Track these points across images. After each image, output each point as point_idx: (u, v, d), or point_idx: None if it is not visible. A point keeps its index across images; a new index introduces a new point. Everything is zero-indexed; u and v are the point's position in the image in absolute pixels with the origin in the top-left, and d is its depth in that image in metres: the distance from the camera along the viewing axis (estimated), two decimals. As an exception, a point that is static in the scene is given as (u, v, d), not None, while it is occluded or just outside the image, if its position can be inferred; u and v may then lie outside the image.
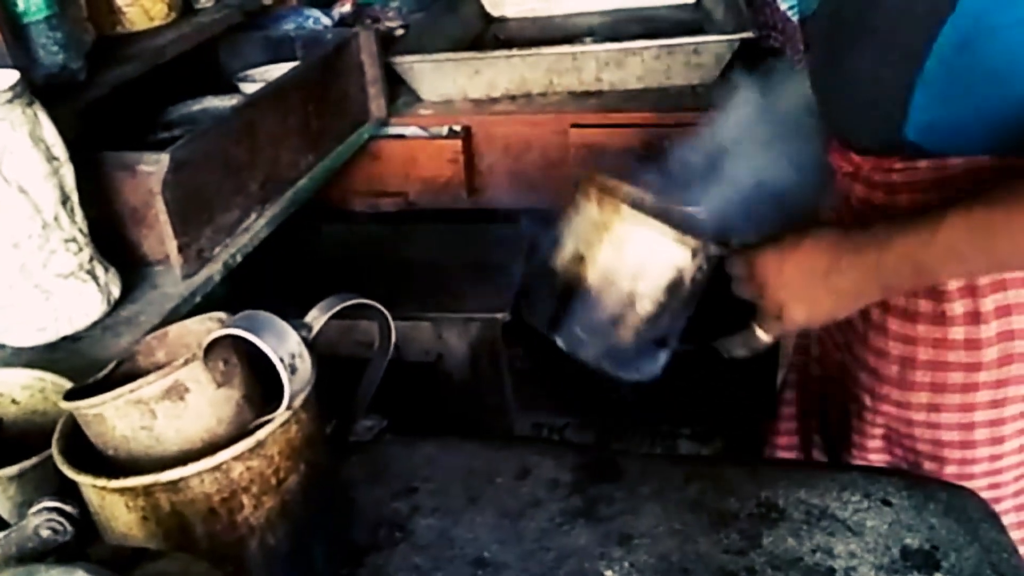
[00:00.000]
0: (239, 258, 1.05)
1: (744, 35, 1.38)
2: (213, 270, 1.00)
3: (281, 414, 0.64)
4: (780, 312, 0.76)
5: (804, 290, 0.74)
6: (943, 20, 0.70)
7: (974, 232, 0.66)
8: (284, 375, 0.63)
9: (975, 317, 0.79)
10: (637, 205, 0.76)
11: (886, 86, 0.76)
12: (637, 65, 1.44)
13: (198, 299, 0.97)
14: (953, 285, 0.79)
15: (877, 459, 0.90)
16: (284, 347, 0.64)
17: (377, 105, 1.42)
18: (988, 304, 0.78)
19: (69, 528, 0.51)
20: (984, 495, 0.79)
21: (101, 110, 1.09)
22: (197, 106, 1.27)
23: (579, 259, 0.78)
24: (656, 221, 0.75)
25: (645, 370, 0.81)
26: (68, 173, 0.85)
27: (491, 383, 1.28)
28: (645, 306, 0.77)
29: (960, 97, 0.73)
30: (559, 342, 0.79)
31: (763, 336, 0.79)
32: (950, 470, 0.86)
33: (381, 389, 0.84)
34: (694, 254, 0.76)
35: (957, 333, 0.80)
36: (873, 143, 0.82)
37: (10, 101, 0.79)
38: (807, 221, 0.78)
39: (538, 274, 0.83)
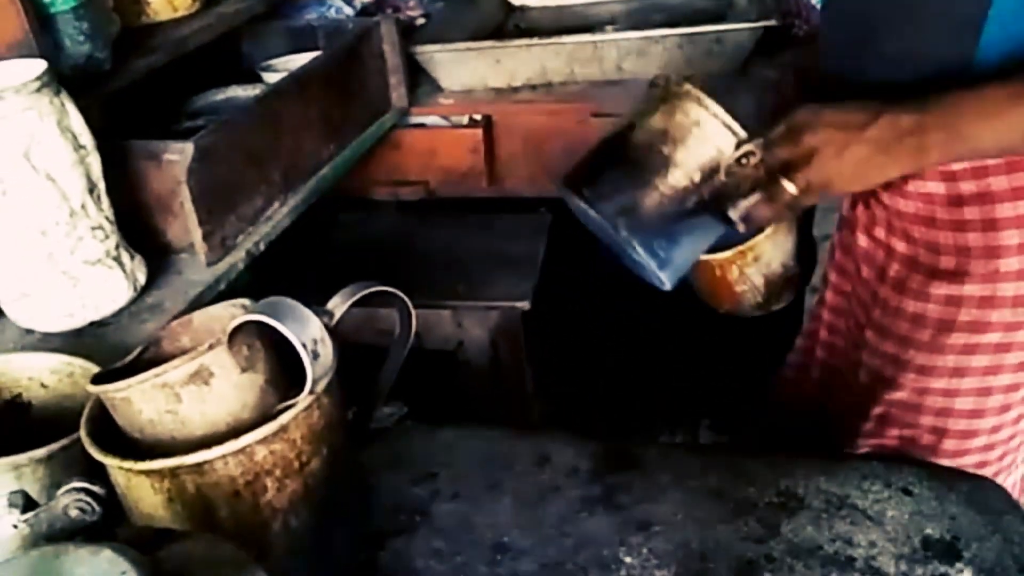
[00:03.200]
0: (262, 246, 1.06)
1: (767, 23, 1.37)
2: (237, 258, 1.01)
3: (304, 399, 0.65)
4: (811, 159, 0.71)
5: (838, 136, 0.70)
6: None
7: (1014, 98, 0.67)
8: (306, 360, 0.64)
9: None
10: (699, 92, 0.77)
11: (939, 66, 0.74)
12: (659, 54, 1.44)
13: (222, 286, 0.98)
14: (1013, 240, 0.78)
15: (868, 443, 0.91)
16: (306, 333, 0.65)
17: (398, 95, 1.43)
18: None
19: (97, 508, 0.52)
20: (969, 471, 0.79)
21: (126, 100, 1.10)
22: (221, 96, 1.28)
23: (630, 126, 0.79)
24: (712, 101, 0.75)
25: (656, 256, 0.79)
26: (95, 161, 0.86)
27: (511, 372, 1.29)
28: (677, 177, 0.76)
29: None
30: (581, 198, 0.78)
31: (789, 187, 0.73)
32: (949, 444, 0.86)
33: (401, 377, 0.85)
34: (737, 146, 0.75)
35: (1007, 290, 0.80)
36: None
37: (38, 90, 0.80)
38: None
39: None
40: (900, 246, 0.87)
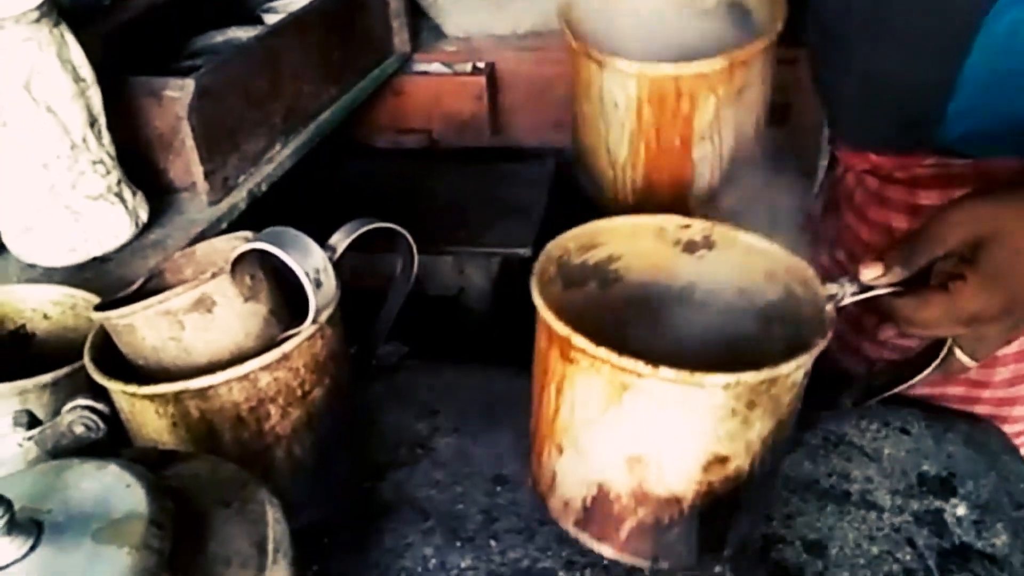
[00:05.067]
0: (264, 187, 1.05)
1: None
2: (238, 198, 1.01)
3: (307, 327, 0.65)
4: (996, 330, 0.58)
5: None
6: (989, 6, 0.62)
7: None
8: (309, 289, 0.64)
9: None
10: None
11: (916, 90, 0.69)
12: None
13: (224, 226, 0.98)
14: None
15: None
16: (309, 262, 0.65)
17: (401, 40, 1.41)
18: None
19: (102, 426, 0.52)
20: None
21: (126, 38, 1.09)
22: (220, 37, 1.27)
23: None
24: None
25: None
26: (95, 95, 0.86)
27: (512, 318, 1.29)
28: None
29: (1009, 98, 0.66)
30: None
31: (968, 361, 0.62)
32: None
33: (403, 322, 0.85)
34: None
35: None
36: (896, 146, 0.77)
37: (37, 20, 0.79)
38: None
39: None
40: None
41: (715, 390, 0.54)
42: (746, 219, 0.67)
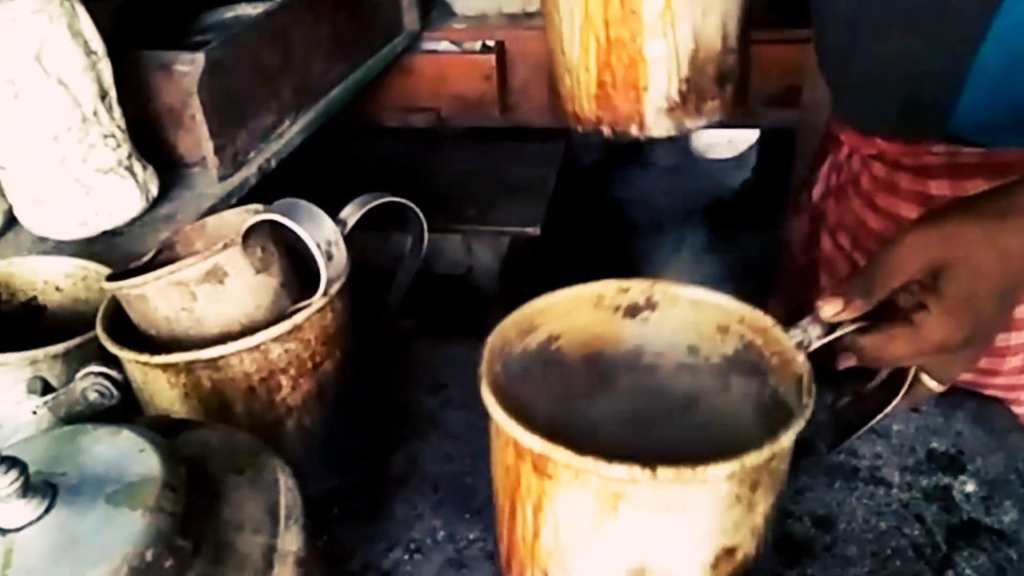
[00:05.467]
0: (273, 163, 1.06)
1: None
2: (248, 173, 1.01)
3: (318, 299, 0.65)
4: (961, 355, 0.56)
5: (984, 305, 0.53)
6: None
7: None
8: (321, 260, 0.64)
9: None
10: None
11: (926, 77, 0.68)
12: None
13: (233, 201, 0.98)
14: None
15: None
16: (321, 233, 0.65)
17: (410, 17, 1.40)
18: None
19: (115, 393, 0.53)
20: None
21: (135, 14, 1.08)
22: (230, 13, 1.26)
23: None
24: None
25: None
26: (106, 68, 0.86)
27: (520, 298, 1.29)
28: None
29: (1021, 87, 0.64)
30: None
31: (935, 386, 0.61)
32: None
33: (412, 301, 0.85)
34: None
35: None
36: (902, 133, 0.75)
37: (48, -8, 0.79)
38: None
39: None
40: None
41: (718, 482, 0.49)
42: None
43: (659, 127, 0.78)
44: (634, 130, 0.80)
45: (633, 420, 0.64)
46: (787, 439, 0.50)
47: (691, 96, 0.77)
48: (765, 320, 0.59)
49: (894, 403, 0.61)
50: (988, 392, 0.82)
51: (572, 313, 0.63)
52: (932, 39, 0.67)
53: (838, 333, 0.55)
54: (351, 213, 0.73)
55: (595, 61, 0.77)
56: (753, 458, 0.48)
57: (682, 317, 0.63)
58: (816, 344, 0.56)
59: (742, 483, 0.49)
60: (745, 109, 0.82)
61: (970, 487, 0.70)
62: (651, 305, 0.63)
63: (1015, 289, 0.53)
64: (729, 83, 0.78)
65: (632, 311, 0.63)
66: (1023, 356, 0.81)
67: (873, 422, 0.63)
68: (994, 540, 0.65)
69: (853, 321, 0.55)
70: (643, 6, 0.73)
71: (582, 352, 0.65)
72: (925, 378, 0.59)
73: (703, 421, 0.63)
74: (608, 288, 0.63)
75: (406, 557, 0.66)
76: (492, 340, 0.59)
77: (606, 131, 0.81)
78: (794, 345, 0.56)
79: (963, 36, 0.65)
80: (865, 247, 0.84)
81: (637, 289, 0.63)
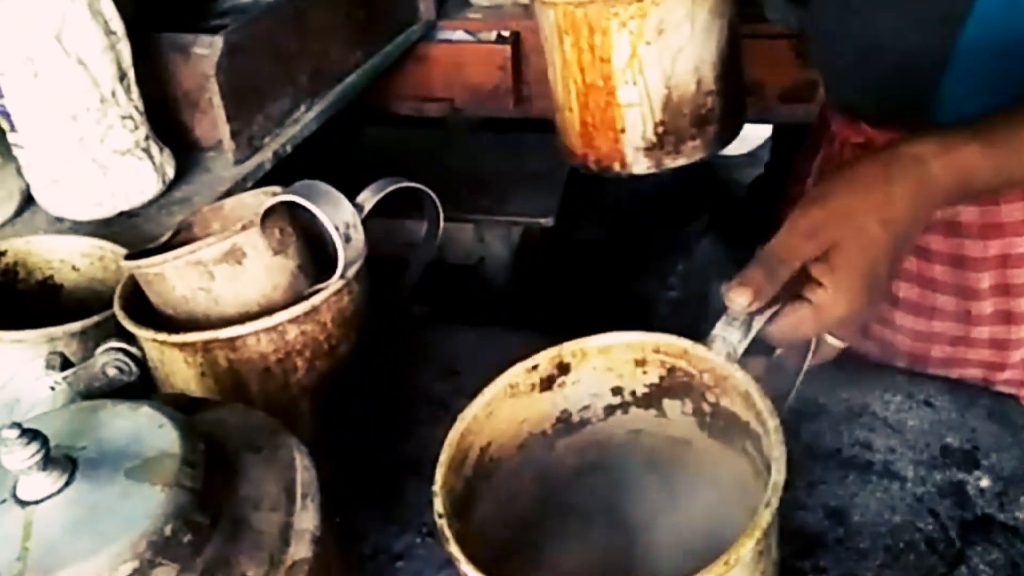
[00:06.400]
0: (289, 148, 1.06)
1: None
2: (264, 157, 1.01)
3: (335, 281, 0.65)
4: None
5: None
6: None
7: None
8: (339, 243, 0.64)
9: None
10: None
11: (910, 58, 0.69)
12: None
13: (249, 185, 0.98)
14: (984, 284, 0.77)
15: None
16: (339, 216, 0.65)
17: (426, 5, 1.40)
18: None
19: (134, 369, 0.53)
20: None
21: (154, -2, 1.09)
22: (247, -2, 1.26)
23: None
24: None
25: None
26: (125, 49, 0.86)
27: (532, 288, 1.29)
28: None
29: (1005, 72, 0.65)
30: None
31: (839, 343, 0.63)
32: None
33: (424, 290, 0.85)
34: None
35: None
36: (892, 118, 0.75)
37: (69, -29, 0.79)
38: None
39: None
40: None
41: None
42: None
43: (639, 165, 0.82)
44: (616, 167, 0.83)
45: (590, 497, 0.63)
46: (768, 515, 0.46)
47: (668, 138, 0.80)
48: (682, 343, 0.57)
49: (804, 369, 0.62)
50: (997, 388, 0.82)
51: (493, 415, 0.61)
52: (918, 17, 0.69)
53: (755, 329, 0.55)
54: (368, 197, 0.73)
55: (576, 103, 0.81)
56: (749, 544, 0.45)
57: (596, 367, 0.61)
58: (741, 348, 0.55)
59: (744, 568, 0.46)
60: (734, 137, 0.84)
61: (984, 482, 0.69)
62: (563, 369, 0.62)
63: (903, 248, 0.56)
64: (709, 124, 0.79)
65: (547, 383, 0.62)
66: None
67: (794, 392, 0.63)
68: (1008, 536, 0.65)
69: (761, 311, 0.55)
70: (612, 54, 0.75)
71: (516, 451, 0.62)
72: (829, 338, 0.63)
73: (650, 459, 0.62)
74: (517, 374, 0.62)
75: (418, 541, 0.66)
76: (438, 491, 0.54)
77: (592, 167, 0.84)
78: (723, 358, 0.55)
79: (948, 15, 0.66)
80: None
81: (544, 361, 0.61)
